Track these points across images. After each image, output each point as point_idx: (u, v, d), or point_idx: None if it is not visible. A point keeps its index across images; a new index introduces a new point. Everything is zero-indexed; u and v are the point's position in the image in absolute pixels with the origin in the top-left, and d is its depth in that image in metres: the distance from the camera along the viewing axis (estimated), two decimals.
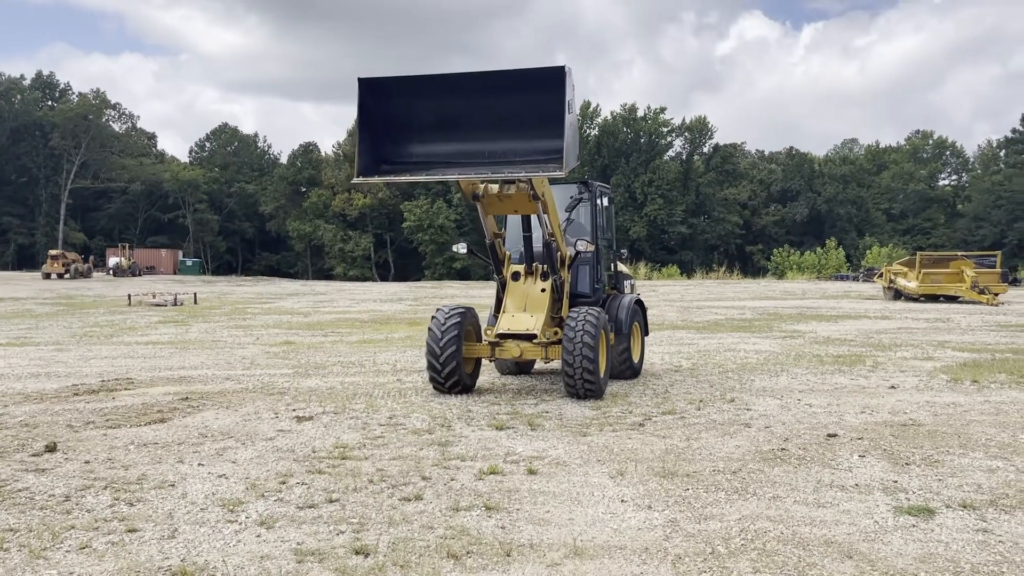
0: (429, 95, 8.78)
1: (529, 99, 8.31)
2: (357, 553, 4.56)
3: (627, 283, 12.43)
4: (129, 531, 4.92)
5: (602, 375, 9.76)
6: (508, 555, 4.56)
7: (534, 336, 9.87)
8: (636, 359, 11.57)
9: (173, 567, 4.34)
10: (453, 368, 9.81)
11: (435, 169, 8.80)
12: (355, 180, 8.51)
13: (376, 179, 8.52)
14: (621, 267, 12.48)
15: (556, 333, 10.07)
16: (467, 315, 10.16)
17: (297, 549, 4.61)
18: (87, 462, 6.63)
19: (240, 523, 5.08)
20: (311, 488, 5.86)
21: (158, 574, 4.27)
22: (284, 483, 5.99)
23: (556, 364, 11.58)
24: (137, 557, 4.51)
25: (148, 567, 4.36)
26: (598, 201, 11.39)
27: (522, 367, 11.94)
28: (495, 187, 9.48)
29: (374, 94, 8.57)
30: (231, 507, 5.39)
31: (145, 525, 5.04)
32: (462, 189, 9.53)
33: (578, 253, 10.55)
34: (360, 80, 8.42)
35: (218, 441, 7.41)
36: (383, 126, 8.67)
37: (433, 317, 10.05)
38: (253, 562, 4.43)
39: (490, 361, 10.61)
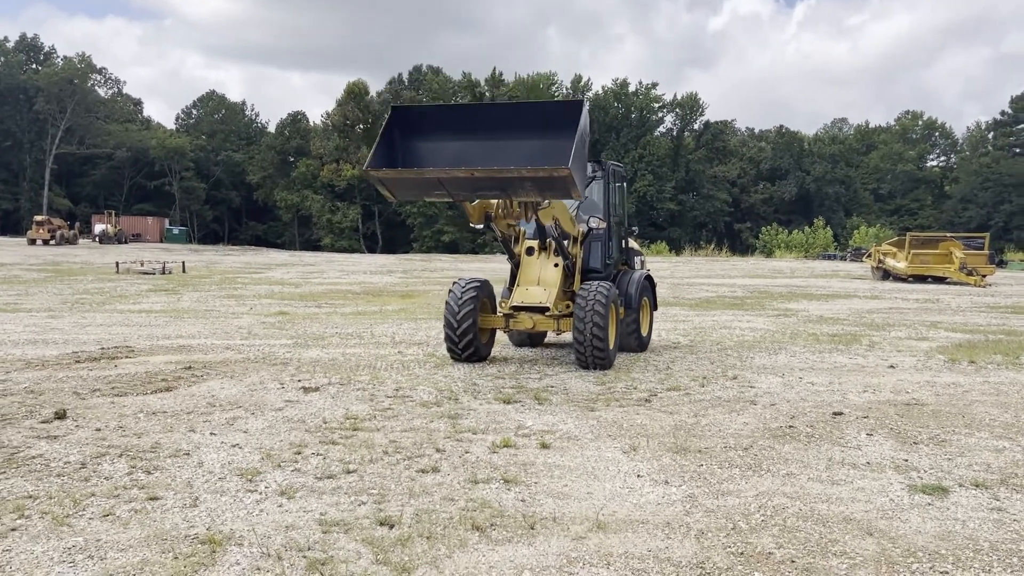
0: (452, 120, 9.31)
1: (545, 125, 8.65)
2: (382, 524, 4.57)
3: (637, 259, 12.67)
4: (150, 499, 4.91)
5: (611, 347, 10.06)
6: (532, 528, 4.58)
7: (547, 309, 10.21)
8: (644, 333, 11.84)
9: (200, 535, 4.34)
10: (470, 338, 10.18)
11: (445, 166, 8.73)
12: (366, 168, 8.61)
13: (386, 171, 8.57)
14: (632, 243, 12.70)
15: (568, 306, 10.42)
16: (483, 288, 10.52)
17: (321, 519, 4.62)
18: (98, 430, 6.59)
19: (260, 492, 5.08)
20: (327, 459, 5.86)
21: (185, 542, 4.26)
22: (299, 453, 5.99)
23: (566, 336, 11.79)
24: (162, 525, 4.50)
25: (174, 535, 4.35)
26: (611, 180, 11.55)
27: (534, 339, 12.27)
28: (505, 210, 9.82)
29: (402, 119, 9.08)
30: (249, 476, 5.39)
31: (165, 493, 5.03)
32: (470, 215, 9.70)
33: (590, 230, 10.74)
34: (392, 107, 9.12)
35: (227, 411, 7.39)
36: (404, 144, 9.06)
37: (451, 289, 10.40)
38: (279, 531, 4.43)
39: (504, 332, 11.01)
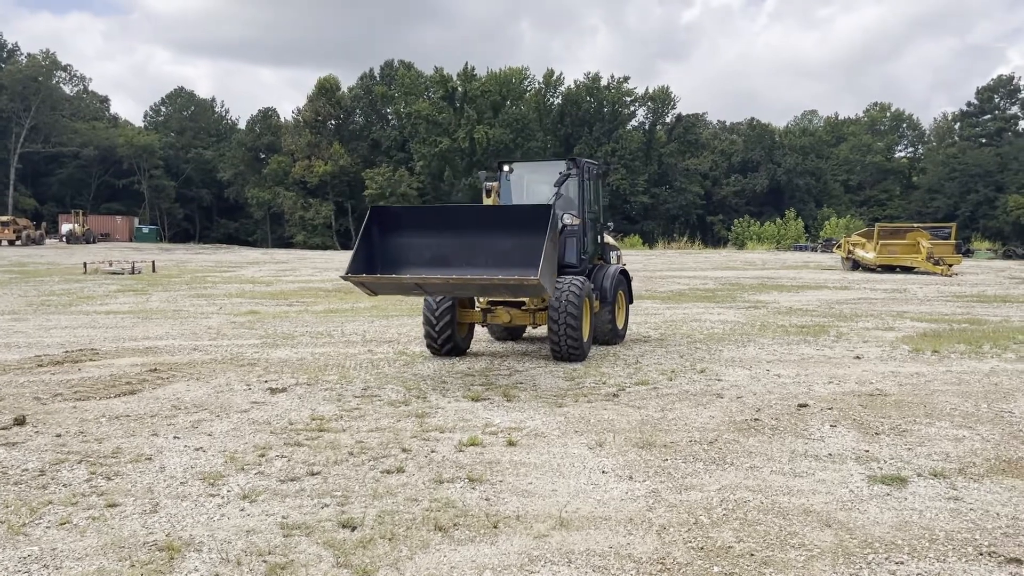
0: (428, 220, 10.03)
1: (516, 226, 9.27)
2: (344, 526, 4.55)
3: (613, 254, 12.91)
4: (109, 506, 4.85)
5: (585, 339, 10.35)
6: (495, 527, 4.59)
7: (523, 303, 10.56)
8: (620, 325, 12.12)
9: (159, 542, 4.30)
10: (448, 333, 10.53)
11: (423, 269, 9.46)
12: (344, 276, 9.10)
13: (365, 277, 9.05)
14: (608, 239, 12.91)
15: (543, 300, 10.54)
16: None
17: (283, 523, 4.59)
18: (59, 435, 6.51)
19: (223, 497, 5.04)
20: (291, 461, 5.83)
21: (143, 549, 4.22)
22: (263, 456, 5.95)
23: (544, 330, 11.90)
24: (120, 532, 4.45)
25: (132, 542, 4.31)
26: (585, 176, 11.71)
27: (513, 333, 12.53)
28: None
29: (380, 218, 9.64)
30: (212, 480, 5.34)
31: (125, 500, 4.97)
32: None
33: (564, 226, 10.84)
34: (372, 207, 9.70)
35: (192, 413, 7.32)
36: (383, 241, 9.59)
37: None
38: (240, 536, 4.40)
39: (482, 326, 11.41)
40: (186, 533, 4.43)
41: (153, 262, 35.10)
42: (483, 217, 9.82)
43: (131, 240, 73.56)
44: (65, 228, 65.57)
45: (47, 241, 61.47)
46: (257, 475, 5.50)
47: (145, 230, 77.69)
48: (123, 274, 30.37)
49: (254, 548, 4.23)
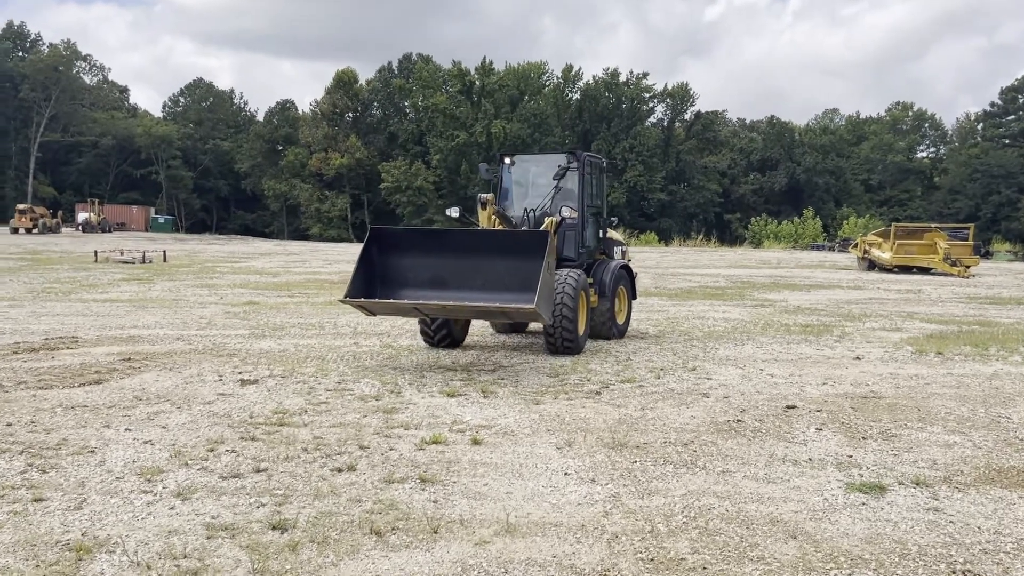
0: (427, 242, 10.22)
1: (514, 251, 9.33)
2: (274, 528, 4.27)
3: (617, 249, 12.72)
4: (35, 500, 4.61)
5: (581, 333, 10.24)
6: (435, 532, 4.30)
7: None
8: (621, 321, 11.97)
9: (72, 541, 4.04)
10: (443, 325, 10.44)
11: (421, 291, 9.53)
12: (342, 300, 9.26)
13: (364, 300, 9.13)
14: (612, 233, 12.72)
15: None
16: None
17: (210, 523, 4.32)
18: (9, 424, 6.28)
19: (155, 494, 4.78)
20: (240, 456, 5.56)
21: (55, 548, 3.96)
22: (212, 451, 5.69)
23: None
24: (37, 529, 4.20)
25: (46, 540, 4.06)
26: (586, 170, 11.52)
27: (515, 326, 12.33)
28: None
29: (379, 238, 9.77)
30: (149, 476, 5.08)
31: (53, 494, 4.72)
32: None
33: (563, 219, 10.61)
34: (371, 228, 9.86)
35: (152, 404, 7.08)
36: (382, 261, 9.72)
37: None
38: (159, 537, 4.13)
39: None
40: (104, 532, 4.17)
41: (165, 252, 35.11)
42: (481, 241, 9.82)
43: (147, 230, 73.92)
44: (81, 217, 65.97)
45: (63, 230, 61.83)
46: (199, 471, 5.23)
47: (161, 220, 78.02)
48: (133, 263, 30.35)
49: (170, 551, 3.96)
